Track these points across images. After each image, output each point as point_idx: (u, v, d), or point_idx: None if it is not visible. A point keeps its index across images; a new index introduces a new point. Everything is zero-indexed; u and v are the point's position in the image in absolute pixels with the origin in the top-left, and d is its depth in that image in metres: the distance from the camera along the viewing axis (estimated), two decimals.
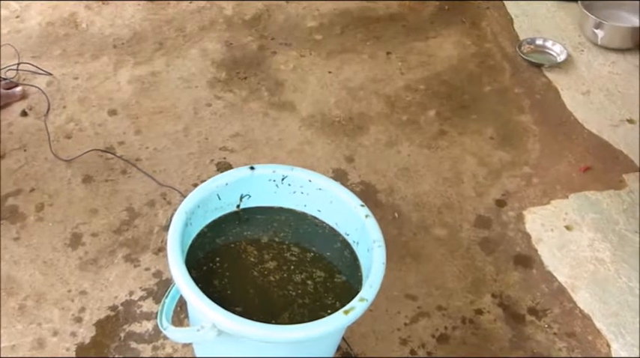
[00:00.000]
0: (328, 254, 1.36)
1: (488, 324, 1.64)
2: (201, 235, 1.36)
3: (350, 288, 1.29)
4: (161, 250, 1.74)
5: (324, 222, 1.41)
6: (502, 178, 2.00)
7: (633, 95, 2.28)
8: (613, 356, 1.57)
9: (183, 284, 1.17)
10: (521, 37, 2.52)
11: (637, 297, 1.68)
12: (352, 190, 1.43)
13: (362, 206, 1.35)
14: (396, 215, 1.88)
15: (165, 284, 1.67)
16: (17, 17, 2.52)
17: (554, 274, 1.74)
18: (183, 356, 1.53)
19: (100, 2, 2.61)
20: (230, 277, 1.30)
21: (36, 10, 2.55)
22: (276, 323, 1.22)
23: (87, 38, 2.45)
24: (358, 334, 1.58)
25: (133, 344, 1.56)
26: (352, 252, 1.36)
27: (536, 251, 1.80)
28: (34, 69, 2.27)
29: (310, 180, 1.39)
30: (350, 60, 2.40)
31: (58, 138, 2.05)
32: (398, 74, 2.37)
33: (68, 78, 2.27)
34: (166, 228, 1.34)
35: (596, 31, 2.43)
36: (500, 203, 1.92)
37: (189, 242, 1.33)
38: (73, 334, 1.58)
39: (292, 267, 1.33)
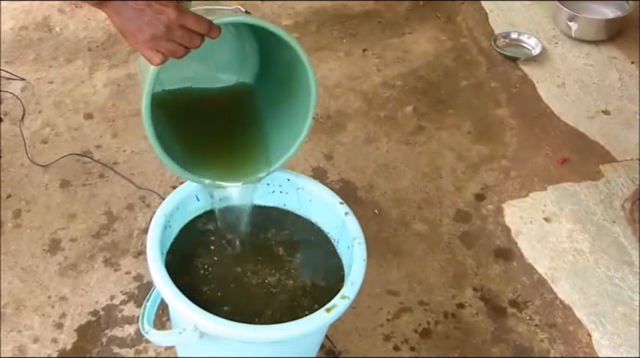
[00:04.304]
0: (309, 252, 1.36)
1: (470, 318, 1.65)
2: (181, 236, 1.35)
3: (331, 286, 1.29)
4: (141, 253, 1.74)
5: (304, 221, 1.41)
6: (480, 172, 2.01)
7: (608, 86, 2.31)
8: (594, 345, 1.58)
9: (164, 287, 1.16)
10: (496, 31, 2.54)
11: (616, 286, 1.69)
12: (332, 188, 1.43)
13: (341, 203, 1.35)
14: (376, 211, 1.88)
15: (146, 287, 1.66)
16: None
17: (535, 266, 1.75)
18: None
19: (74, 5, 2.58)
20: (210, 278, 1.29)
21: (8, 15, 2.52)
22: (260, 321, 1.22)
23: (61, 42, 2.43)
24: (341, 331, 1.59)
25: (116, 349, 1.55)
26: (333, 250, 1.36)
27: (515, 243, 1.81)
28: (7, 74, 2.25)
29: (289, 179, 1.39)
30: (326, 57, 2.40)
31: (34, 143, 2.04)
32: (374, 71, 2.37)
33: (43, 82, 2.25)
34: (146, 231, 1.34)
35: (569, 23, 2.45)
36: (479, 197, 1.93)
37: (169, 244, 1.32)
38: (54, 340, 1.56)
39: (273, 265, 1.32)
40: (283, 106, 1.33)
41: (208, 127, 1.36)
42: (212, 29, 1.06)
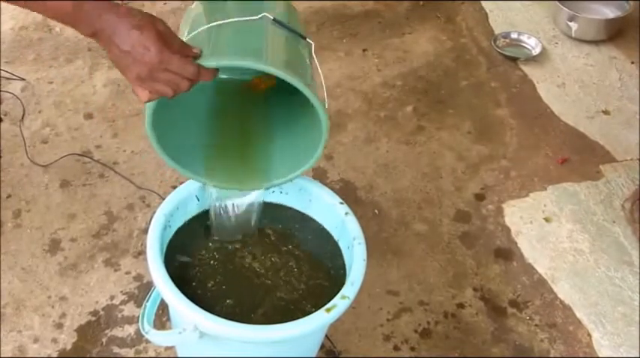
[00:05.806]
0: (309, 250, 1.36)
1: (470, 318, 1.65)
2: (181, 236, 1.35)
3: (331, 286, 1.29)
4: (141, 253, 1.74)
5: (306, 218, 1.41)
6: (480, 172, 2.01)
7: (608, 86, 2.31)
8: (594, 345, 1.58)
9: (164, 287, 1.16)
10: (497, 31, 2.54)
11: (616, 286, 1.69)
12: (332, 188, 1.43)
13: (341, 203, 1.35)
14: (376, 211, 1.88)
15: (146, 287, 1.66)
16: None
17: (535, 266, 1.75)
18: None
19: None
20: (211, 276, 1.29)
21: (8, 15, 2.52)
22: (260, 320, 1.22)
23: (61, 42, 2.43)
24: (341, 331, 1.59)
25: (116, 349, 1.55)
26: (332, 250, 1.36)
27: (515, 243, 1.81)
28: (7, 74, 2.25)
29: None
30: (326, 57, 2.40)
31: (34, 143, 2.04)
32: (374, 71, 2.37)
33: (43, 82, 2.25)
34: (146, 231, 1.34)
35: (569, 23, 2.45)
36: (480, 197, 1.93)
37: (169, 243, 1.32)
38: (54, 340, 1.56)
39: (273, 262, 1.32)
40: (297, 123, 1.32)
41: (223, 126, 1.36)
42: (202, 74, 1.03)
